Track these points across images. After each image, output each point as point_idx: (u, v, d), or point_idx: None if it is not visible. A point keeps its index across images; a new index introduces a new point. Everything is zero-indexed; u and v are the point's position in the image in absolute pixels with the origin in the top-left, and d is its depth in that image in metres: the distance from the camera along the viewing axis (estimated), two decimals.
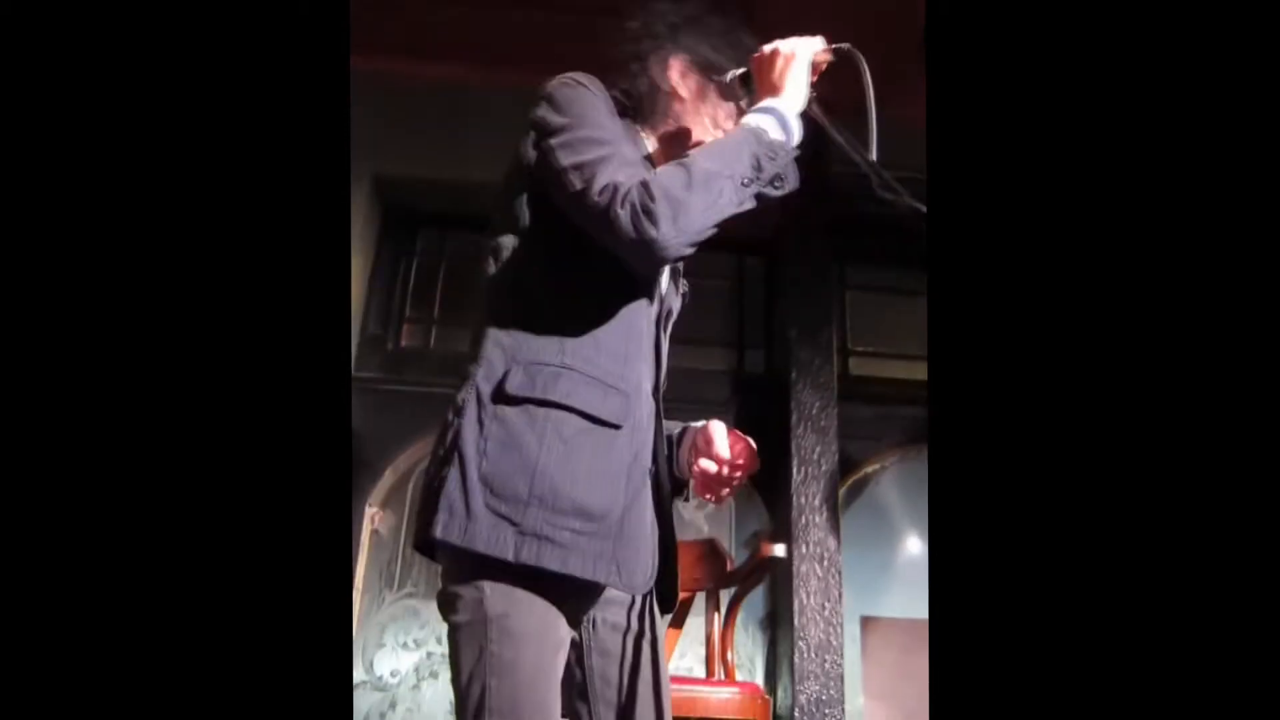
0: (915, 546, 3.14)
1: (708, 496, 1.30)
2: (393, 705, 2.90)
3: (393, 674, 2.93)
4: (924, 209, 0.99)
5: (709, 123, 1.32)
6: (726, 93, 1.31)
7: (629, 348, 1.19)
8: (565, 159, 1.15)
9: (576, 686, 1.20)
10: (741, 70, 1.29)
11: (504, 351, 1.15)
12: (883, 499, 3.23)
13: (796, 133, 1.20)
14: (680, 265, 1.33)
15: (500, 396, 1.12)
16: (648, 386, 1.22)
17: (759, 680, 2.96)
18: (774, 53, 1.23)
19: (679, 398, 1.52)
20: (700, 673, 2.53)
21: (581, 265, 1.17)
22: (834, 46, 1.24)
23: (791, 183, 1.17)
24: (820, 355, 3.09)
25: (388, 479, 3.14)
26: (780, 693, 2.85)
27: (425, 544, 1.13)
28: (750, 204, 1.14)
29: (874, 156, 1.16)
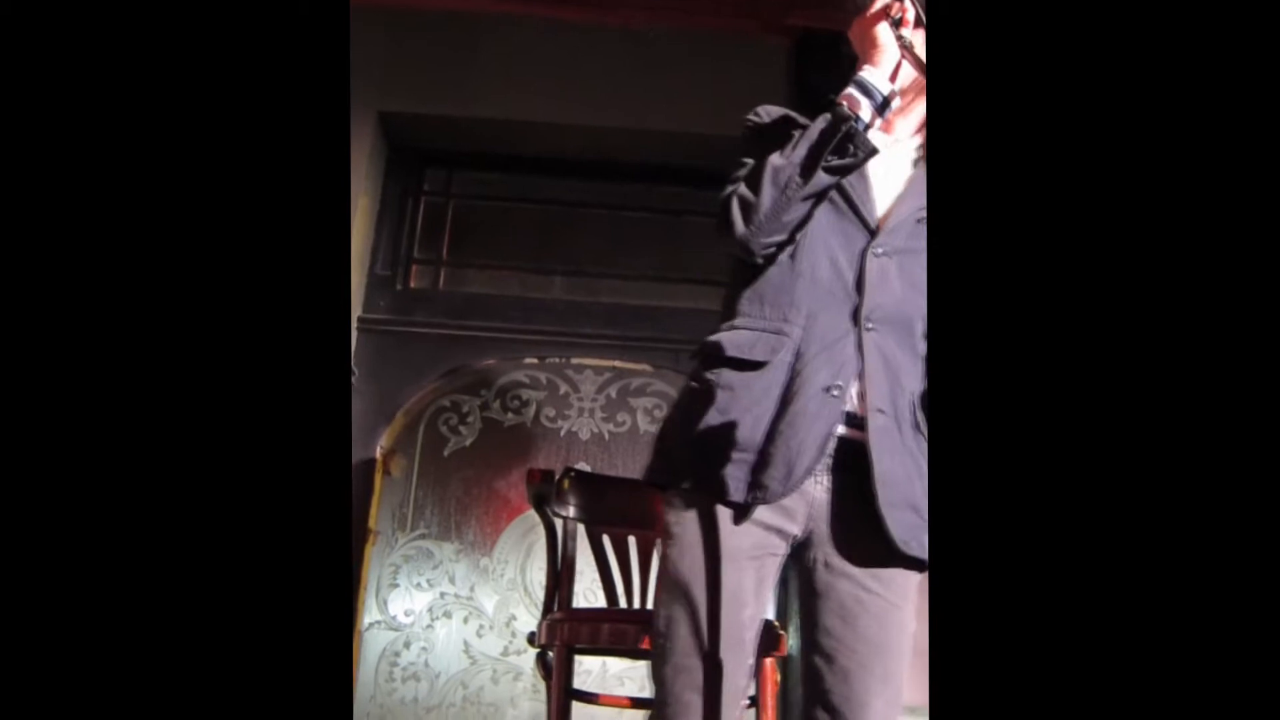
0: None
1: None
2: (407, 644, 2.94)
3: (406, 614, 2.96)
4: None
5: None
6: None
7: (798, 290, 1.35)
8: None
9: (798, 622, 1.38)
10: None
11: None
12: None
13: (882, 91, 1.30)
14: (913, 202, 1.41)
15: (691, 374, 1.41)
16: (842, 315, 1.34)
17: (771, 616, 2.98)
18: (856, 22, 1.36)
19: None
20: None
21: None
22: None
23: (864, 147, 1.28)
24: None
25: (399, 421, 3.14)
26: (792, 630, 2.87)
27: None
28: (826, 179, 1.29)
29: None
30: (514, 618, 2.98)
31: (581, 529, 2.11)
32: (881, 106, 1.29)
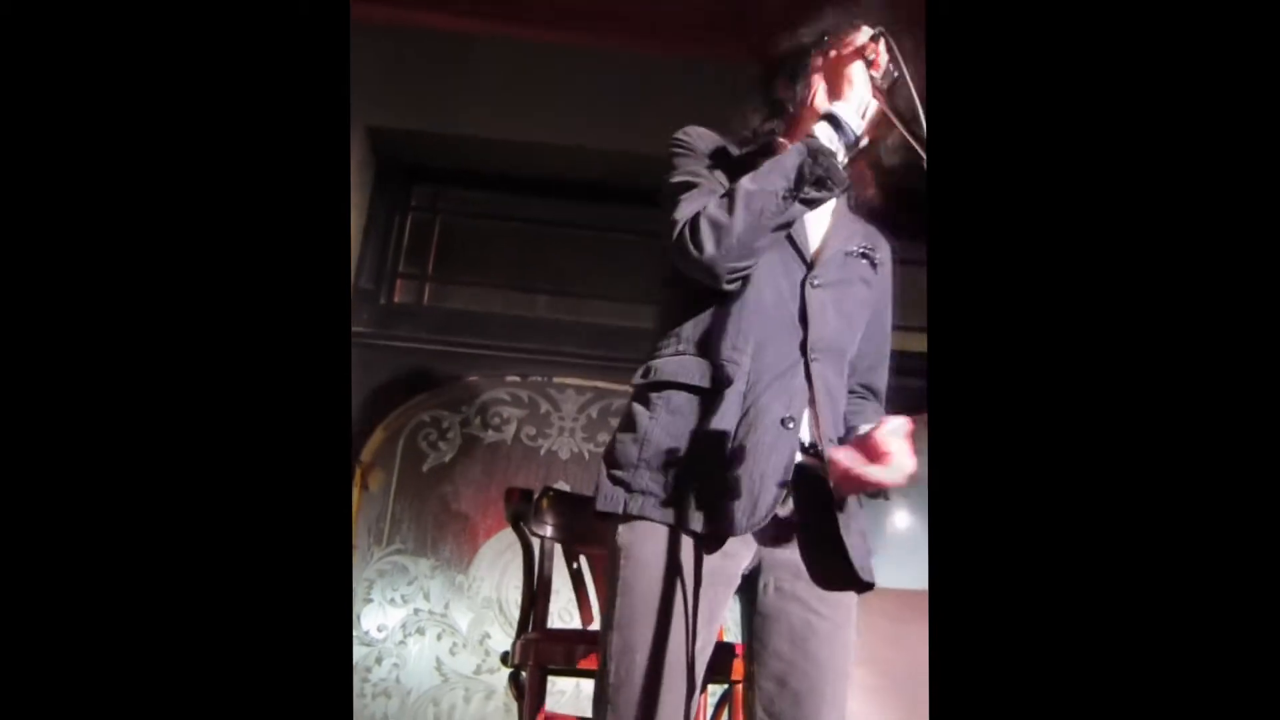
0: (904, 520, 3.15)
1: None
2: (379, 660, 2.91)
3: (379, 629, 2.94)
4: None
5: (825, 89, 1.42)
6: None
7: (746, 322, 1.34)
8: (664, 211, 1.39)
9: (745, 645, 1.38)
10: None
11: (649, 359, 1.40)
12: None
13: (855, 129, 1.31)
14: (856, 233, 1.48)
15: (634, 395, 1.38)
16: (790, 346, 1.35)
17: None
18: (831, 57, 1.37)
19: None
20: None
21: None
22: (872, 34, 1.33)
23: (840, 182, 1.29)
24: None
25: (378, 436, 3.12)
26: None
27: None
28: (801, 210, 1.31)
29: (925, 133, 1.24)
30: (488, 636, 2.96)
31: (558, 549, 2.10)
32: (852, 144, 1.32)
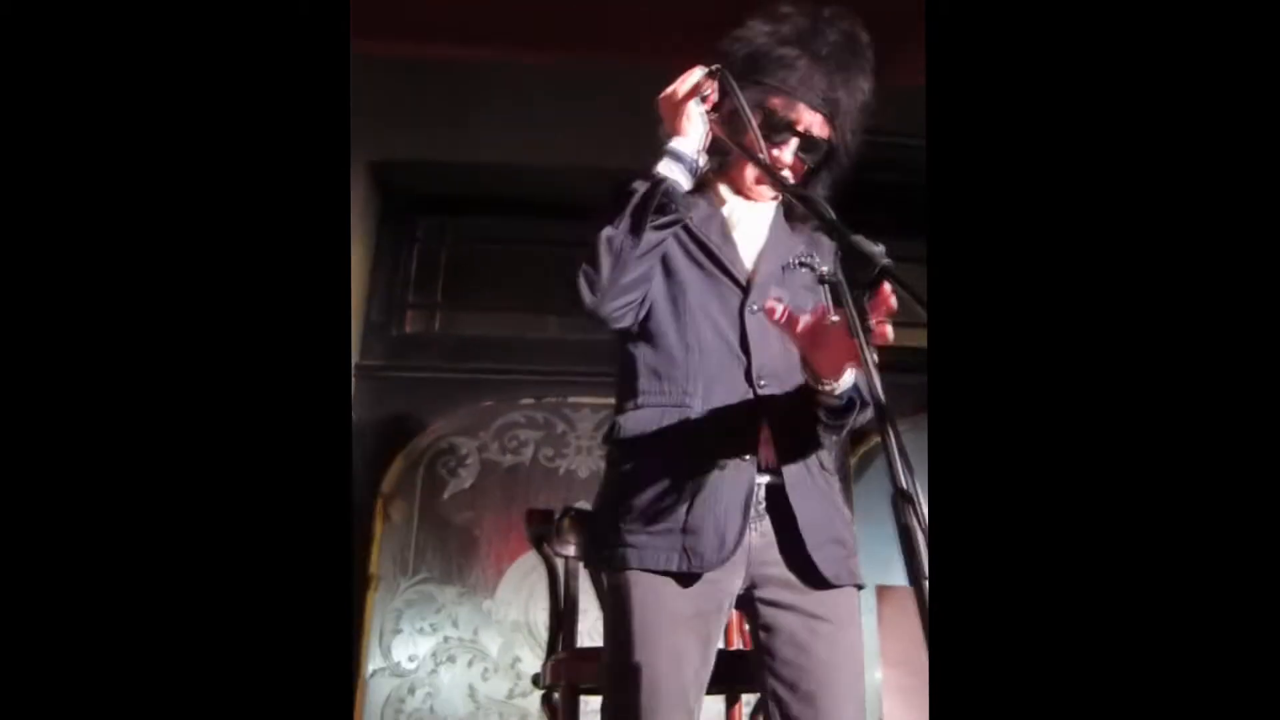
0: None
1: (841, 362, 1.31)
2: (411, 690, 2.91)
3: (410, 659, 2.94)
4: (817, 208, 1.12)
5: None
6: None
7: (691, 363, 1.44)
8: None
9: (754, 659, 1.41)
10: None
11: (616, 415, 1.50)
12: None
13: (695, 161, 1.43)
14: (795, 244, 1.54)
15: (608, 455, 1.50)
16: (736, 378, 1.43)
17: None
18: (664, 96, 1.46)
19: None
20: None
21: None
22: (709, 70, 1.43)
23: (680, 204, 1.40)
24: None
25: (397, 466, 3.14)
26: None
27: None
28: (659, 236, 1.40)
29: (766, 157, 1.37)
30: (519, 659, 2.96)
31: (583, 567, 2.10)
32: (693, 170, 1.43)
